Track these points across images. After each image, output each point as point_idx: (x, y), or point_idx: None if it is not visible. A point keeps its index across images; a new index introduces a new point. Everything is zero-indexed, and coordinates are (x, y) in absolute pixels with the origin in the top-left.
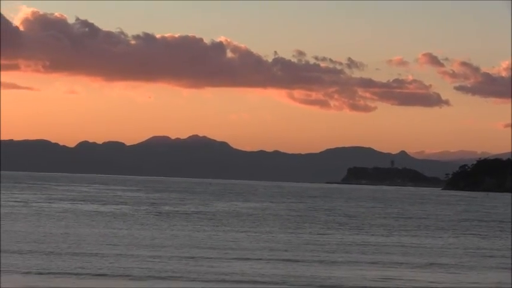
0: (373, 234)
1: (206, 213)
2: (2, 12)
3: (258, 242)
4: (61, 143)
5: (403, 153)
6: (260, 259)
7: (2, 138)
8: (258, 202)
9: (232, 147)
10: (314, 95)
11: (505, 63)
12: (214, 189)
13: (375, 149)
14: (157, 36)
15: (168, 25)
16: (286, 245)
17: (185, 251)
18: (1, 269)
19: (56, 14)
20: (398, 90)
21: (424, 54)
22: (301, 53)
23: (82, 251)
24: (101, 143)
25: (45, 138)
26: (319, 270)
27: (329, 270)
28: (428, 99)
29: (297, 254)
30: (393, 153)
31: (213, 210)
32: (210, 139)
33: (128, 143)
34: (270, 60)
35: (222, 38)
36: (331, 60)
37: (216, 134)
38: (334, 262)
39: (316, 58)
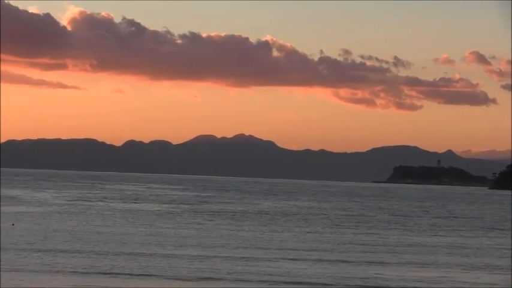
0: (420, 234)
1: (252, 212)
2: (50, 12)
3: (305, 242)
4: (108, 142)
5: (449, 152)
6: (307, 259)
7: (49, 137)
8: (305, 201)
9: (278, 146)
10: (360, 94)
11: None
12: (260, 189)
13: (421, 148)
14: (204, 35)
15: (214, 24)
16: (334, 245)
17: (232, 250)
18: (48, 268)
19: (103, 13)
20: (445, 89)
21: (471, 53)
22: (347, 52)
23: (129, 251)
24: (147, 142)
25: (92, 137)
26: (367, 271)
27: (377, 271)
28: (475, 98)
29: (346, 254)
30: (439, 152)
31: (259, 209)
32: (256, 138)
33: (174, 142)
34: (316, 59)
35: (268, 37)
36: (377, 58)
37: (262, 133)
38: (381, 262)
39: (362, 57)
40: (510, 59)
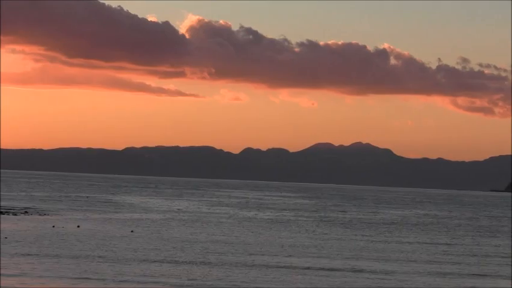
0: None
1: (369, 221)
2: (168, 20)
3: (426, 253)
4: (226, 150)
5: None
6: (426, 272)
7: (167, 145)
8: (424, 210)
9: (395, 155)
10: (478, 102)
11: None
12: (377, 197)
13: None
14: (321, 43)
15: (332, 32)
16: (454, 256)
17: (351, 262)
18: (163, 279)
19: (221, 21)
20: None
21: None
22: (465, 60)
23: (247, 261)
24: (265, 149)
25: (210, 145)
26: (478, 283)
27: (489, 283)
28: None
29: (459, 266)
30: None
31: (377, 217)
32: (373, 146)
33: (291, 150)
34: (433, 67)
35: (385, 45)
36: (495, 67)
37: (380, 141)
38: (494, 275)
39: (481, 65)
40: None
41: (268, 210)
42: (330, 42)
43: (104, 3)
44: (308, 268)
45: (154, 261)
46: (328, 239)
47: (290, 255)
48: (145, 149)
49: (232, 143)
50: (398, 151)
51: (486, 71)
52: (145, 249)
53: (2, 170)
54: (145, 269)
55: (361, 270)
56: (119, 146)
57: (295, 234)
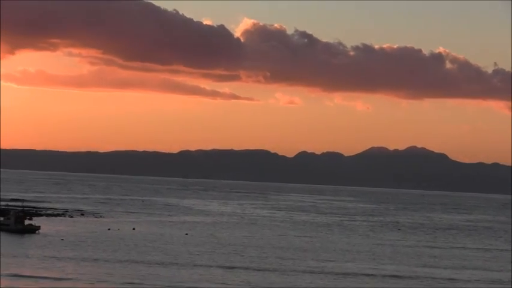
0: None
1: (427, 226)
2: (223, 24)
3: (484, 260)
4: (280, 153)
5: None
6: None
7: (222, 148)
8: (482, 214)
9: (450, 159)
10: None
11: None
12: (433, 201)
13: None
14: (376, 47)
15: (387, 36)
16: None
17: (406, 268)
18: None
19: (276, 25)
20: None
21: None
22: None
23: (304, 266)
24: (319, 153)
25: (264, 148)
26: None
27: None
28: None
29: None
30: None
31: (434, 222)
32: (428, 150)
33: (346, 154)
34: (489, 71)
35: (440, 49)
36: None
37: (435, 145)
38: None
39: None
40: None
41: (323, 214)
42: (385, 46)
43: (159, 7)
44: (369, 275)
45: (210, 266)
46: (383, 244)
47: (346, 261)
48: (200, 152)
49: (286, 146)
50: (453, 155)
51: None
52: (200, 252)
53: (59, 173)
54: (201, 273)
55: (416, 277)
56: (174, 148)
57: (351, 239)
